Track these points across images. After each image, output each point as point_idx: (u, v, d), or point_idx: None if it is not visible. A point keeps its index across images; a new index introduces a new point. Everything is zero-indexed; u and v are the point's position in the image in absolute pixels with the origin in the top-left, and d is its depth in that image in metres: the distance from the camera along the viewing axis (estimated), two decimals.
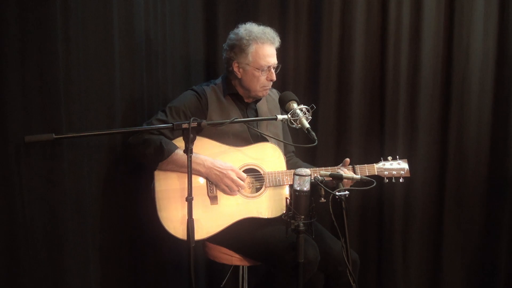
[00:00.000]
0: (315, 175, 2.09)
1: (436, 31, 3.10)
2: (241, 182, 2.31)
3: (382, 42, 3.08)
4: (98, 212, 2.26)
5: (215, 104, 2.46)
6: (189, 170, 2.01)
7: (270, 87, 2.49)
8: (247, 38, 2.40)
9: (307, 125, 2.15)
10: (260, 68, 2.41)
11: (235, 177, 2.30)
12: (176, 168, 2.25)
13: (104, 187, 2.27)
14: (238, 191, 2.32)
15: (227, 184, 2.30)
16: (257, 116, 2.54)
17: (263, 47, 2.40)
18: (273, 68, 2.44)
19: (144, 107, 2.53)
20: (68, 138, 1.98)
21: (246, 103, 2.54)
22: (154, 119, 2.32)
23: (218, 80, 2.56)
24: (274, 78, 2.44)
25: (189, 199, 2.02)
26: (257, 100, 2.56)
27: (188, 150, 2.00)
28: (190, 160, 2.01)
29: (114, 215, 2.34)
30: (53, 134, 1.85)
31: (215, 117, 2.42)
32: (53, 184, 2.00)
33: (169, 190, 2.26)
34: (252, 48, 2.40)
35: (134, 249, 2.45)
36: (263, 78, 2.43)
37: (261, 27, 2.45)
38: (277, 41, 2.46)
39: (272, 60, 2.42)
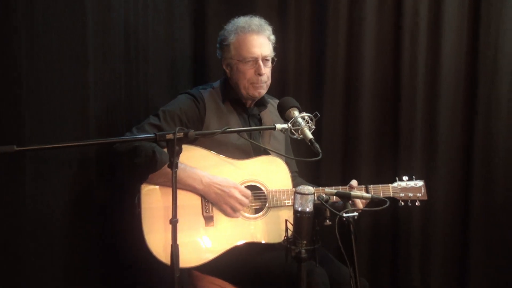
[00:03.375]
0: (319, 193, 2.16)
1: (459, 25, 3.18)
2: (246, 200, 2.38)
3: (397, 39, 3.17)
4: (67, 240, 2.29)
5: (213, 110, 2.52)
6: (174, 187, 1.99)
7: (264, 83, 2.56)
8: (230, 30, 2.55)
9: (310, 135, 2.18)
10: (242, 60, 2.51)
11: (239, 196, 2.36)
12: (169, 182, 2.24)
13: (76, 209, 2.32)
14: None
15: (230, 204, 2.36)
16: (261, 126, 2.64)
17: (245, 36, 2.50)
18: (262, 60, 2.53)
19: (123, 112, 2.60)
20: (32, 150, 2.01)
21: (248, 110, 2.64)
22: (146, 124, 2.38)
23: (216, 84, 2.66)
24: (262, 71, 2.51)
25: (174, 222, 1.98)
26: (260, 106, 2.66)
27: (172, 165, 1.98)
28: (175, 176, 1.99)
29: (88, 241, 2.38)
30: (14, 146, 1.80)
31: (213, 125, 2.50)
32: (12, 205, 2.02)
33: (158, 208, 2.30)
34: (233, 39, 2.53)
35: (115, 278, 2.49)
36: (250, 72, 2.50)
37: (248, 17, 2.58)
38: (266, 29, 2.56)
39: (258, 51, 2.49)
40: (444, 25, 3.15)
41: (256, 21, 2.56)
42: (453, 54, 3.19)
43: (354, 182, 2.54)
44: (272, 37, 2.61)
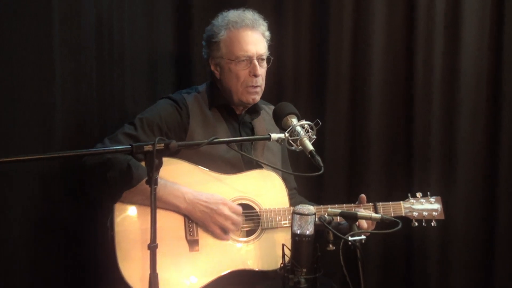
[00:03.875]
0: (321, 213, 2.15)
1: (481, 18, 3.19)
2: (237, 218, 2.37)
3: (410, 35, 3.18)
4: (28, 267, 2.26)
5: (199, 118, 2.52)
6: (152, 207, 1.97)
7: (259, 87, 2.56)
8: (220, 24, 2.54)
9: (310, 147, 2.17)
10: (235, 59, 2.51)
11: (229, 213, 2.35)
12: (147, 200, 2.16)
13: (39, 232, 2.30)
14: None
15: (220, 224, 2.35)
16: (253, 136, 2.63)
17: (238, 32, 2.51)
18: (257, 59, 2.53)
19: (94, 120, 2.58)
20: None
21: (238, 118, 2.63)
22: (120, 134, 2.36)
23: (202, 87, 2.65)
24: (258, 72, 2.51)
25: (152, 247, 1.98)
26: (253, 113, 2.66)
27: (151, 180, 1.97)
28: (154, 194, 1.98)
29: (52, 268, 2.35)
30: None
31: (198, 135, 2.48)
32: None
33: (134, 231, 2.28)
34: (223, 35, 2.52)
35: None
36: (243, 73, 2.51)
37: (240, 11, 2.58)
38: (261, 25, 2.56)
39: (252, 48, 2.51)
40: (464, 20, 3.17)
41: (250, 15, 2.55)
42: (473, 55, 3.20)
43: (363, 197, 2.53)
44: (267, 33, 2.61)
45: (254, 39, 2.52)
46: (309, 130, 2.21)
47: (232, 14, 2.55)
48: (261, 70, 2.54)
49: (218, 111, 2.59)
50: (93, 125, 2.59)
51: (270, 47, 2.60)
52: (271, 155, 2.66)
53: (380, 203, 2.57)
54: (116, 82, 2.73)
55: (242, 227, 2.44)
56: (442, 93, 3.20)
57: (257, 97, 2.58)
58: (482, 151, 3.24)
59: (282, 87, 3.17)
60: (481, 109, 3.24)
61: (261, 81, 2.55)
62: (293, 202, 2.60)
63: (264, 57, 2.56)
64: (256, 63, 2.51)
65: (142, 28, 2.89)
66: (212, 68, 2.59)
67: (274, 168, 2.52)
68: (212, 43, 2.56)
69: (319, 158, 2.14)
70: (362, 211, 2.43)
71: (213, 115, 2.56)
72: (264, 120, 2.68)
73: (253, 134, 2.64)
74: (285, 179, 2.57)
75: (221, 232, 2.36)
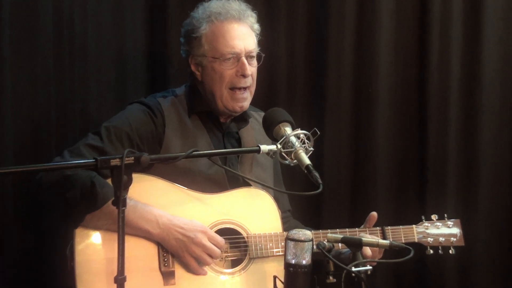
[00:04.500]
0: (320, 239, 2.14)
1: (506, 15, 3.21)
2: (217, 250, 2.36)
3: (422, 29, 3.20)
4: None
5: (176, 127, 2.52)
6: (120, 232, 1.97)
7: (248, 90, 2.56)
8: (201, 17, 2.54)
9: (307, 160, 2.16)
10: (220, 57, 2.51)
11: (208, 243, 2.34)
12: (114, 225, 2.14)
13: None
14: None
15: (196, 255, 2.33)
16: (240, 147, 2.62)
17: (222, 25, 2.53)
18: (245, 56, 2.53)
19: (52, 129, 2.57)
20: None
21: (223, 126, 2.63)
22: (83, 145, 2.35)
23: (180, 90, 2.64)
24: (247, 71, 2.52)
25: (120, 280, 1.98)
26: (239, 121, 2.65)
27: (119, 201, 1.96)
28: (123, 217, 1.97)
29: None
30: None
31: (174, 147, 2.47)
32: None
33: (98, 261, 2.26)
34: (205, 29, 2.53)
35: None
36: (229, 73, 2.52)
37: (224, 0, 2.57)
38: (248, 16, 2.57)
39: (240, 43, 2.52)
40: (486, 11, 3.19)
41: (236, 5, 2.56)
42: (498, 49, 3.22)
43: (374, 215, 2.53)
44: (256, 26, 2.61)
45: (242, 32, 2.53)
46: (306, 140, 2.21)
47: (215, 4, 2.56)
48: (251, 69, 2.54)
49: (198, 119, 2.58)
50: (50, 135, 2.58)
51: (260, 43, 2.60)
52: (261, 170, 2.66)
53: (389, 227, 2.57)
54: (78, 84, 2.72)
55: (227, 256, 2.44)
56: (460, 97, 3.22)
57: (246, 104, 2.58)
58: (508, 165, 3.27)
59: (274, 90, 3.17)
60: (507, 116, 3.27)
61: (250, 81, 2.55)
62: (286, 226, 2.59)
63: (254, 54, 2.56)
64: (245, 60, 2.51)
65: (109, 22, 2.89)
66: (193, 68, 2.59)
67: (265, 186, 2.51)
68: (192, 39, 2.56)
69: (317, 174, 2.12)
70: (367, 237, 2.41)
71: (193, 123, 2.56)
72: (253, 129, 2.68)
73: (240, 145, 2.64)
74: (277, 200, 2.57)
75: (196, 265, 2.35)
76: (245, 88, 2.54)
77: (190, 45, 2.57)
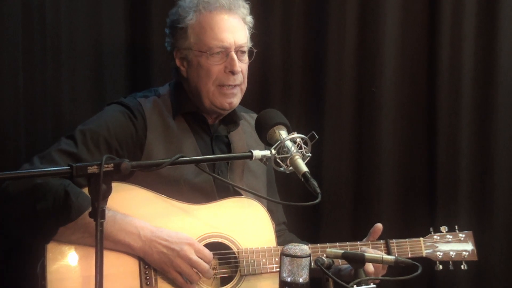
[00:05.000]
0: (318, 255, 2.17)
1: None
2: (205, 265, 2.36)
3: (431, 26, 3.23)
4: None
5: (159, 130, 2.54)
6: (98, 247, 1.95)
7: (238, 87, 2.57)
8: (188, 6, 2.56)
9: (304, 167, 2.17)
10: (207, 51, 2.52)
11: (195, 257, 2.34)
12: (88, 239, 2.21)
13: None
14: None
15: (181, 270, 2.34)
16: (229, 153, 2.63)
17: (211, 16, 2.54)
18: (235, 51, 2.54)
19: (20, 132, 2.58)
20: None
21: (211, 129, 2.64)
22: (55, 151, 2.36)
23: (164, 90, 2.66)
24: (236, 67, 2.52)
25: None
26: (229, 123, 2.67)
27: (97, 213, 1.95)
28: (101, 230, 1.96)
29: None
30: None
31: (157, 153, 2.48)
32: None
33: (73, 279, 2.26)
34: (192, 20, 2.54)
35: None
36: (217, 69, 2.54)
37: None
38: (240, 7, 2.59)
39: (229, 37, 2.53)
40: (502, 3, 3.22)
41: None
42: None
43: (378, 227, 2.56)
44: (249, 18, 2.63)
45: (232, 25, 2.55)
46: (303, 145, 2.21)
47: None
48: (241, 65, 2.56)
49: (184, 121, 2.60)
50: (18, 138, 2.59)
51: (253, 37, 2.62)
52: (253, 178, 2.68)
53: (394, 240, 2.59)
54: (50, 82, 2.73)
55: (216, 273, 2.44)
56: (474, 97, 3.26)
57: (235, 101, 2.59)
58: None
59: (267, 89, 3.20)
60: None
61: (241, 79, 2.57)
62: (281, 240, 2.60)
63: (245, 49, 2.58)
64: (235, 56, 2.53)
65: (84, 13, 2.90)
66: (178, 63, 2.60)
67: (257, 196, 2.51)
68: (177, 30, 2.57)
69: (315, 183, 2.13)
70: (370, 252, 2.42)
71: (178, 125, 2.57)
72: (245, 132, 2.70)
73: (229, 150, 2.65)
74: (271, 211, 2.58)
75: (183, 281, 2.35)
76: (234, 86, 2.55)
77: (175, 37, 2.59)
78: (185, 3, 2.57)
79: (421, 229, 2.71)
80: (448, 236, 2.67)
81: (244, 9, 2.61)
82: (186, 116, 2.61)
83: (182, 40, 2.56)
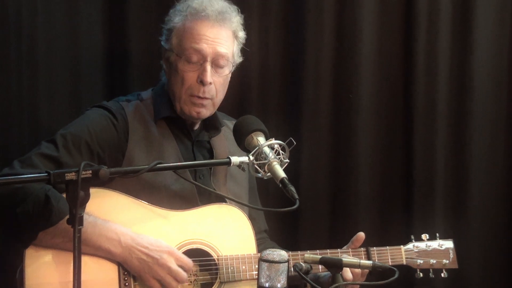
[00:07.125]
0: (297, 261, 2.20)
1: (498, 9, 3.28)
2: (183, 274, 2.37)
3: (408, 26, 3.25)
4: None
5: (140, 134, 2.55)
6: (76, 252, 1.96)
7: (209, 100, 2.57)
8: (180, 9, 2.60)
9: (282, 173, 2.19)
10: (182, 56, 2.54)
11: (174, 266, 2.36)
12: (68, 243, 2.13)
13: None
14: None
15: (159, 277, 2.35)
16: (211, 159, 2.65)
17: (195, 23, 2.56)
18: (211, 61, 2.54)
19: None
20: None
21: (192, 135, 2.66)
22: (35, 155, 2.36)
23: (147, 94, 2.68)
24: (207, 78, 2.52)
25: None
26: (211, 129, 2.69)
27: (75, 218, 1.96)
28: (79, 236, 1.97)
29: None
30: None
31: (139, 158, 2.49)
32: None
33: (51, 285, 2.27)
34: (178, 23, 2.59)
35: None
36: (190, 77, 2.55)
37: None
38: (230, 20, 2.60)
39: (206, 46, 2.53)
40: (476, 10, 3.25)
41: (218, 5, 2.60)
42: (490, 49, 3.29)
43: (360, 236, 2.57)
44: (241, 34, 2.66)
45: (213, 35, 2.55)
46: (280, 151, 2.23)
47: (197, 1, 2.59)
48: (216, 78, 2.57)
49: (166, 125, 2.62)
50: None
51: (243, 53, 2.65)
52: (235, 184, 2.70)
53: (375, 248, 2.61)
54: (26, 84, 2.73)
55: (196, 280, 2.46)
56: (450, 104, 3.29)
57: (204, 111, 2.59)
58: (504, 177, 3.32)
59: (245, 95, 3.21)
60: (501, 124, 3.33)
61: (212, 92, 2.57)
62: (262, 248, 2.59)
63: (225, 62, 2.58)
64: (208, 67, 2.54)
65: (60, 19, 2.90)
66: (164, 62, 2.64)
67: (238, 203, 2.52)
68: (166, 30, 2.63)
69: (293, 188, 2.15)
70: (349, 258, 2.40)
71: (159, 130, 2.59)
72: (227, 139, 2.71)
73: (212, 156, 2.67)
74: (253, 218, 2.61)
75: None
76: (204, 98, 2.56)
77: (164, 36, 2.64)
78: (180, 6, 2.62)
79: (402, 237, 2.74)
80: (428, 243, 2.70)
81: (235, 24, 2.63)
82: (168, 121, 2.62)
83: (167, 41, 2.62)
